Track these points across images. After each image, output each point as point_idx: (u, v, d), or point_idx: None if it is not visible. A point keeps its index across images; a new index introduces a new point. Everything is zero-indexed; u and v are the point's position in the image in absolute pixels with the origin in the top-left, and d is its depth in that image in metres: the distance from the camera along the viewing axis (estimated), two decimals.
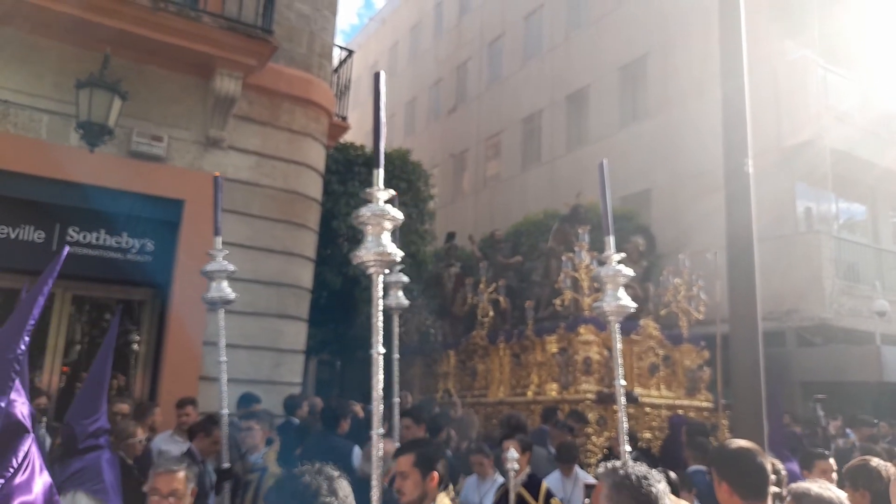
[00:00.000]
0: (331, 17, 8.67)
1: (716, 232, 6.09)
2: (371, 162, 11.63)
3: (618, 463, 2.16)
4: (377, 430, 2.46)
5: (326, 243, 9.73)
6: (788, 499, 2.96)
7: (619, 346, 3.32)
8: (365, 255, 2.54)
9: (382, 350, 2.61)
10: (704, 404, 8.62)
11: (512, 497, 4.29)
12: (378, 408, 2.54)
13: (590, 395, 7.81)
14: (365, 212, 2.52)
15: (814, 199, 13.12)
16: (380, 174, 2.56)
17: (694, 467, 5.17)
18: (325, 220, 9.15)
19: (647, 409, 8.13)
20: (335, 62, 9.74)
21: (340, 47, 10.32)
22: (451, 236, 12.85)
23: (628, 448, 3.48)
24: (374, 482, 2.44)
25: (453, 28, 24.02)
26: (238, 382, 7.20)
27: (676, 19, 14.86)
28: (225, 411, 4.59)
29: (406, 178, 12.01)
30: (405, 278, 5.16)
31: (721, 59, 5.04)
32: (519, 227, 15.09)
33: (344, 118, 10.08)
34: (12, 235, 6.91)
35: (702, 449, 5.50)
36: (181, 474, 2.77)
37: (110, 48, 6.53)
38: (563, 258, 8.67)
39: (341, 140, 10.62)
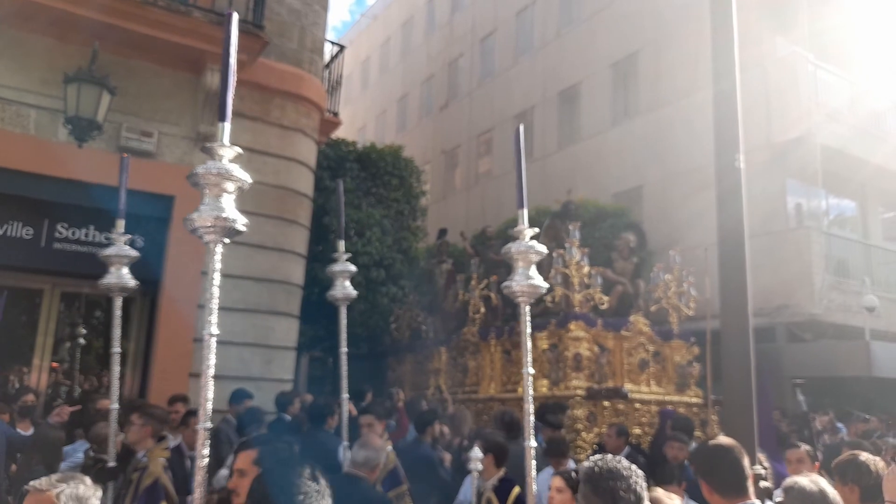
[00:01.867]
0: (322, 12, 8.63)
1: (707, 228, 6.11)
2: (363, 158, 11.64)
3: (597, 457, 2.14)
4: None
5: (318, 240, 9.71)
6: (781, 493, 2.99)
7: (528, 329, 3.02)
8: (199, 219, 2.16)
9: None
10: (694, 400, 8.66)
11: (473, 500, 4.27)
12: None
13: (580, 392, 7.83)
14: (202, 170, 2.16)
15: (804, 195, 13.19)
16: (226, 127, 2.20)
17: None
18: (316, 216, 9.13)
19: (637, 405, 8.15)
20: (326, 58, 9.70)
21: (332, 43, 10.28)
22: (442, 233, 12.85)
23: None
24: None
25: (445, 24, 23.98)
26: (229, 379, 7.18)
27: (668, 17, 14.89)
28: (115, 406, 4.21)
29: (398, 174, 12.01)
30: (352, 267, 4.90)
31: (713, 57, 5.04)
32: (510, 223, 15.06)
33: (335, 114, 10.06)
34: (0, 232, 6.85)
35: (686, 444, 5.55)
36: (49, 494, 2.23)
37: (99, 43, 6.48)
38: (554, 255, 8.67)
39: (333, 136, 10.59)
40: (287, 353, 7.78)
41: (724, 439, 2.87)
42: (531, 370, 2.97)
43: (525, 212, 3.02)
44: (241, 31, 7.01)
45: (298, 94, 8.09)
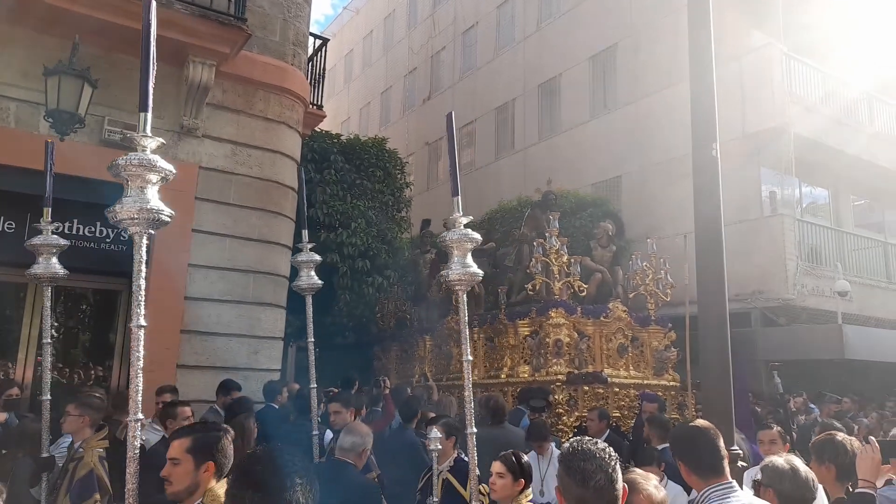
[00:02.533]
0: (304, 5, 8.65)
1: (685, 217, 6.27)
2: (347, 150, 11.68)
3: (574, 439, 2.17)
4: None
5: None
6: (759, 472, 3.12)
7: (465, 318, 3.09)
8: (122, 211, 2.10)
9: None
10: (671, 384, 8.88)
11: (436, 483, 4.24)
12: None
13: (560, 377, 8.00)
14: (123, 161, 2.09)
15: (778, 184, 13.47)
16: (147, 117, 2.14)
17: (661, 446, 5.33)
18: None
19: (616, 389, 8.35)
20: (310, 51, 9.72)
21: (315, 36, 10.29)
22: (426, 223, 12.95)
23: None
24: None
25: (427, 18, 23.99)
26: (217, 369, 7.25)
27: (645, 10, 15.08)
28: (46, 397, 4.09)
29: (382, 166, 12.08)
30: (317, 257, 4.85)
31: (690, 50, 5.16)
32: (493, 213, 15.24)
33: (319, 107, 10.09)
34: None
35: (664, 427, 5.68)
36: None
37: (80, 36, 6.44)
38: (535, 244, 8.82)
39: (317, 128, 10.62)
40: (274, 343, 7.84)
41: (700, 422, 2.95)
42: (470, 358, 3.01)
43: (459, 199, 2.96)
44: (223, 23, 7.07)
45: (282, 86, 8.11)
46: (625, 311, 8.95)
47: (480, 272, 2.99)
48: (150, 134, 2.06)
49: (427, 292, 11.42)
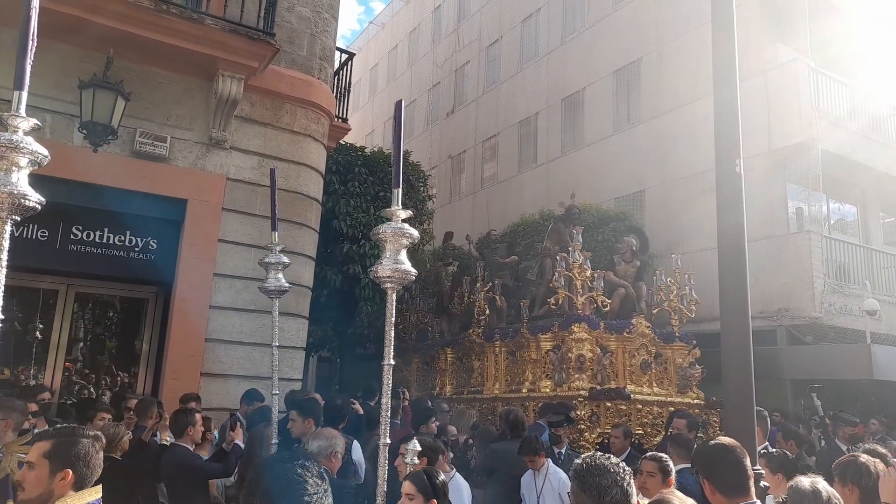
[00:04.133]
0: (331, 20, 8.80)
1: (708, 233, 6.23)
2: (371, 162, 11.80)
3: (586, 455, 2.18)
4: None
5: (327, 242, 9.88)
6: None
7: (392, 317, 2.79)
8: None
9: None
10: (695, 401, 8.77)
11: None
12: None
13: (583, 392, 7.96)
14: None
15: (805, 200, 13.29)
16: (22, 96, 1.94)
17: (679, 466, 5.23)
18: (325, 219, 9.29)
19: (639, 406, 8.27)
20: (336, 65, 9.87)
21: (341, 50, 10.44)
22: (448, 236, 13.00)
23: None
24: None
25: (451, 32, 24.20)
26: (239, 378, 7.34)
27: (670, 24, 15.06)
28: None
29: (405, 178, 12.15)
30: (285, 259, 4.67)
31: (713, 64, 5.16)
32: (515, 227, 15.25)
33: (344, 120, 10.21)
34: (16, 234, 7.00)
35: (686, 447, 5.56)
36: None
37: (113, 49, 6.61)
38: (558, 258, 8.81)
39: (342, 141, 10.76)
40: (296, 352, 7.92)
41: (726, 439, 2.89)
42: (392, 361, 2.76)
43: (399, 192, 2.72)
44: (252, 38, 7.21)
45: (308, 100, 8.24)
46: (648, 326, 8.89)
47: (413, 271, 2.72)
48: (23, 114, 1.93)
49: (449, 305, 11.45)
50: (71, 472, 2.40)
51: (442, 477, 3.41)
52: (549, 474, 5.39)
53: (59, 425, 2.92)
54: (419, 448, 3.60)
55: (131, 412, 6.01)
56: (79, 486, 2.43)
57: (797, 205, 13.34)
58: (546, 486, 5.35)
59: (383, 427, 2.62)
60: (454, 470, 4.95)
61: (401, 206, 2.67)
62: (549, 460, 5.60)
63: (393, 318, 2.68)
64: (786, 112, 12.61)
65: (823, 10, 13.43)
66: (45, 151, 2.01)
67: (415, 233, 2.71)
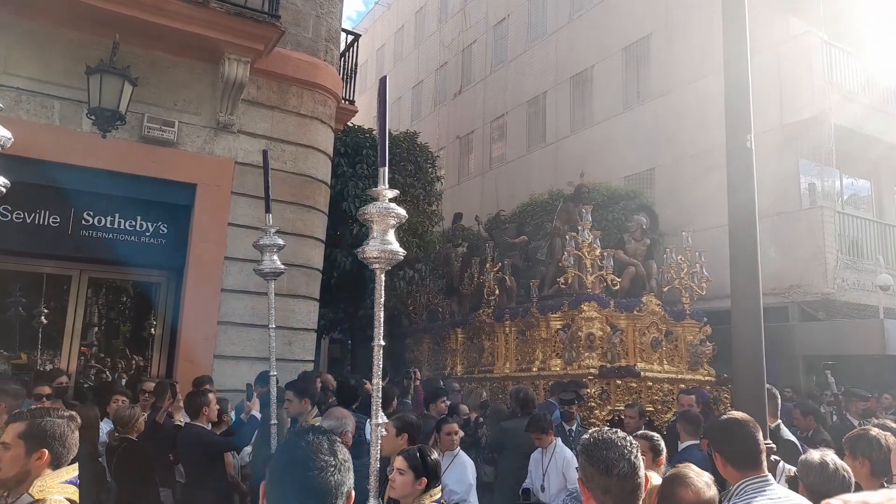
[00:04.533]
0: (336, 1, 8.74)
1: (718, 210, 6.19)
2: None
3: (594, 429, 2.17)
4: None
5: (336, 224, 9.89)
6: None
7: (381, 298, 2.68)
8: None
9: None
10: (706, 379, 8.77)
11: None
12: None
13: (593, 370, 7.97)
14: None
15: (818, 175, 13.16)
16: None
17: (687, 442, 5.24)
18: (334, 201, 9.29)
19: (650, 384, 8.29)
20: (342, 46, 9.82)
21: (347, 31, 10.38)
22: (458, 217, 12.99)
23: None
24: None
25: (458, 11, 23.97)
26: (252, 360, 7.41)
27: None
28: None
29: (413, 160, 12.15)
30: (280, 241, 4.60)
31: (724, 37, 5.08)
32: (524, 207, 15.21)
33: (351, 102, 10.18)
34: (28, 220, 7.06)
35: (694, 423, 5.55)
36: None
37: (119, 34, 6.61)
38: (567, 237, 8.78)
39: (349, 123, 10.73)
40: (308, 334, 7.97)
41: (738, 413, 2.90)
42: (382, 342, 2.64)
43: (385, 171, 2.64)
44: (257, 20, 7.18)
45: (315, 82, 8.22)
46: (659, 304, 8.87)
47: (402, 251, 2.66)
48: None
49: (459, 285, 11.48)
50: (47, 451, 2.43)
51: (435, 456, 3.43)
52: (555, 453, 5.44)
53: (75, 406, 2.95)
54: (385, 420, 3.57)
55: (147, 394, 6.09)
56: (55, 465, 2.46)
57: (810, 180, 13.21)
58: (552, 464, 5.39)
59: (375, 408, 2.60)
60: (458, 448, 4.99)
61: (387, 186, 2.59)
62: (559, 439, 5.64)
63: (382, 299, 2.59)
64: (798, 86, 12.44)
65: None
66: (7, 133, 1.98)
67: (402, 212, 2.62)
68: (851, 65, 13.43)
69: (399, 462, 3.32)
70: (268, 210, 4.52)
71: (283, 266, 4.63)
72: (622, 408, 7.36)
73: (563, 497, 5.29)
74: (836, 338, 11.36)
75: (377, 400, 2.62)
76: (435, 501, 3.34)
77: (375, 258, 2.60)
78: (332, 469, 1.55)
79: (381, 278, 2.67)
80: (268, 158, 4.62)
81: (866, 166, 14.36)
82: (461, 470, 4.82)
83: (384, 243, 2.60)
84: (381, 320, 2.62)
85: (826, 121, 12.18)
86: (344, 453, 1.65)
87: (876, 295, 11.62)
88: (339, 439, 1.74)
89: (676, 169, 14.25)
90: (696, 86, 13.76)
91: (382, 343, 2.64)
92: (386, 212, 2.57)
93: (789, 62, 12.53)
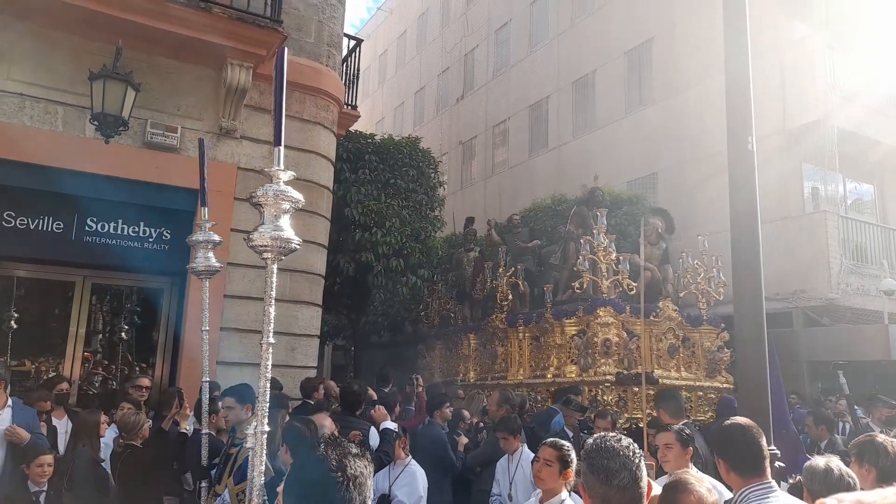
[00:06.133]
0: (339, 6, 8.75)
1: (722, 215, 6.16)
2: (381, 150, 11.79)
3: (597, 436, 2.12)
4: None
5: (339, 230, 9.88)
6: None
7: (273, 291, 2.29)
8: None
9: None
10: (724, 385, 8.62)
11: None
12: None
13: (609, 377, 7.86)
14: None
15: (821, 180, 13.12)
16: None
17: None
18: (337, 207, 9.29)
19: None
20: (344, 52, 9.83)
21: (349, 37, 10.39)
22: (469, 221, 12.94)
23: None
24: None
25: (460, 17, 24.02)
26: (255, 366, 7.36)
27: (681, 2, 14.84)
28: None
29: (415, 165, 12.13)
30: (216, 237, 4.20)
31: (725, 40, 5.08)
32: (528, 212, 15.17)
33: (354, 107, 10.18)
34: (31, 226, 7.07)
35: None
36: None
37: (122, 40, 6.61)
38: (581, 241, 8.68)
39: (351, 129, 10.74)
40: (311, 340, 7.96)
41: (741, 419, 2.88)
42: (272, 340, 2.27)
43: (281, 150, 2.33)
44: (259, 26, 7.18)
45: (317, 87, 8.22)
46: (675, 310, 8.72)
47: (296, 238, 2.30)
48: None
49: (471, 290, 11.42)
50: None
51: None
52: (521, 460, 5.14)
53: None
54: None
55: (143, 390, 6.11)
56: None
57: (813, 185, 13.17)
58: (518, 472, 5.11)
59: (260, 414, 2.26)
60: (410, 457, 4.91)
61: (283, 167, 2.27)
62: (525, 445, 5.35)
63: (273, 293, 2.26)
64: (800, 89, 12.42)
65: None
66: None
67: (298, 196, 2.30)
68: (853, 68, 13.40)
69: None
70: (203, 203, 4.16)
71: (218, 264, 4.25)
72: (639, 415, 7.21)
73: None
74: (841, 343, 11.29)
75: (263, 405, 2.31)
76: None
77: (265, 246, 2.25)
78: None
79: (273, 269, 2.32)
80: (203, 147, 4.30)
81: (870, 170, 14.32)
82: (411, 480, 4.72)
83: (276, 229, 2.26)
84: (272, 317, 2.28)
85: (829, 124, 12.15)
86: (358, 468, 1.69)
87: (880, 300, 11.57)
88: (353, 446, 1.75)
89: (679, 173, 14.23)
90: (699, 89, 13.76)
91: (272, 342, 2.28)
92: (281, 195, 2.26)
93: (791, 65, 12.52)
